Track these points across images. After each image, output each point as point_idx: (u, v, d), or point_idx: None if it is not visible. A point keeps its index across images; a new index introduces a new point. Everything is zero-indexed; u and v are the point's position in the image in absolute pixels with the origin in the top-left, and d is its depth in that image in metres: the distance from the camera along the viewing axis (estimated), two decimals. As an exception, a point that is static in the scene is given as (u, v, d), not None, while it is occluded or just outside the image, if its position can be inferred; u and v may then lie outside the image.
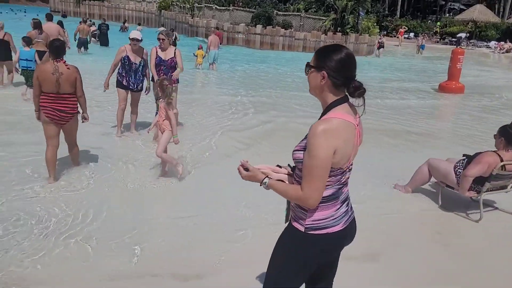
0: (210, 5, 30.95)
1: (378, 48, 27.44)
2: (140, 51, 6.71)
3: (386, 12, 49.42)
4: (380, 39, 28.20)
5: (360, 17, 31.40)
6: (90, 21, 24.89)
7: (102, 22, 21.59)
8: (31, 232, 3.88)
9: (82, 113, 5.15)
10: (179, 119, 7.50)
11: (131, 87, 6.74)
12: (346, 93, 1.95)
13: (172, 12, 36.11)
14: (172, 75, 6.73)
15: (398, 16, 49.48)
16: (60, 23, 14.52)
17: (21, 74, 9.33)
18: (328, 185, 1.93)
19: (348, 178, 2.07)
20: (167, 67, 6.82)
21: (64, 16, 31.73)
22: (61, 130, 5.02)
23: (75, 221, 4.14)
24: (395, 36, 41.18)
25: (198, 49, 15.62)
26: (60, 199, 4.56)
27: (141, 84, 6.86)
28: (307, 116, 9.13)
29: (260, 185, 2.04)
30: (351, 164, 2.04)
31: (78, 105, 5.05)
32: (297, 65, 19.48)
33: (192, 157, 6.14)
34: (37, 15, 30.96)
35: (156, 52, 6.79)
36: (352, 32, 28.78)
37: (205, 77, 14.54)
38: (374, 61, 24.86)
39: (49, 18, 13.21)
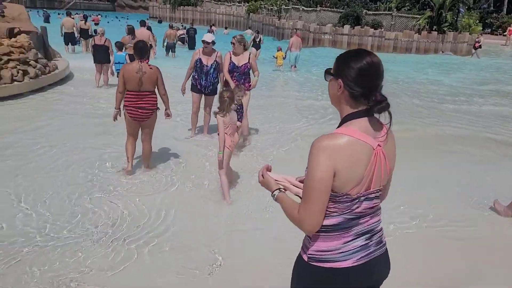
0: (297, 7, 30.75)
1: (476, 48, 24.91)
2: (213, 54, 6.63)
3: (491, 8, 44.99)
4: (477, 38, 25.64)
5: (460, 14, 28.95)
6: (182, 25, 26.16)
7: (190, 27, 22.51)
8: (105, 233, 3.97)
9: (166, 110, 5.42)
10: (251, 125, 7.35)
11: (203, 90, 6.75)
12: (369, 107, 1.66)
13: (260, 15, 36.57)
14: (244, 82, 6.47)
15: (505, 13, 44.69)
16: (149, 28, 15.51)
17: (117, 76, 10.00)
18: (333, 213, 1.67)
19: (372, 208, 1.74)
20: (240, 74, 6.49)
21: (160, 21, 33.95)
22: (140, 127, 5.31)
23: (146, 225, 4.17)
24: (501, 34, 37.25)
25: (278, 51, 15.49)
26: (133, 200, 4.66)
27: (211, 87, 6.77)
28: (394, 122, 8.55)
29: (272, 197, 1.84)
30: (373, 193, 1.69)
31: (158, 102, 5.28)
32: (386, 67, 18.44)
33: (268, 162, 5.96)
34: (137, 21, 33.51)
35: (230, 57, 6.48)
36: (450, 31, 26.61)
37: (285, 80, 14.35)
38: (473, 62, 22.67)
39: (142, 24, 14.34)
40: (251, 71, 6.70)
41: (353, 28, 26.91)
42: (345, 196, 1.64)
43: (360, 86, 1.63)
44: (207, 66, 6.60)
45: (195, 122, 6.96)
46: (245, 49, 6.65)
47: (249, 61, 6.53)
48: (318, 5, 29.84)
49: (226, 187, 4.70)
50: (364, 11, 27.51)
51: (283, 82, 13.96)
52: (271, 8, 34.57)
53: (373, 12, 27.72)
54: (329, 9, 29.33)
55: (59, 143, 6.33)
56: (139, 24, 14.27)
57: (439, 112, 10.10)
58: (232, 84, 6.22)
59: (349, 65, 1.64)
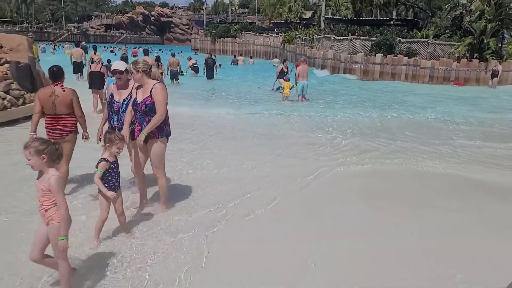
0: (328, 36, 30.06)
1: (492, 78, 22.97)
2: (128, 87, 4.99)
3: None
4: (495, 66, 23.53)
5: (505, 40, 26.79)
6: (211, 55, 26.04)
7: (208, 57, 22.32)
8: None
9: (83, 131, 5.33)
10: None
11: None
12: None
13: (294, 45, 36.33)
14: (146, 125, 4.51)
15: None
16: (157, 58, 16.01)
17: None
18: None
19: None
20: (141, 113, 4.54)
21: (195, 53, 34.94)
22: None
23: None
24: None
25: (285, 81, 14.71)
26: None
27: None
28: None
29: None
30: None
31: (77, 125, 5.27)
32: (414, 101, 17.07)
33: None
34: (178, 52, 34.47)
35: (136, 91, 4.66)
36: (493, 58, 24.53)
37: (291, 111, 12.87)
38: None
39: (146, 53, 14.64)
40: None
41: (386, 57, 25.64)
42: None
43: None
44: (118, 102, 4.95)
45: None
46: (151, 78, 4.65)
47: (150, 95, 4.47)
48: (350, 34, 28.93)
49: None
50: (398, 39, 26.17)
51: (288, 116, 12.61)
52: (304, 38, 34.22)
53: (407, 40, 26.31)
54: (362, 37, 28.29)
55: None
56: (143, 53, 14.63)
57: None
58: (126, 129, 4.60)
59: None
